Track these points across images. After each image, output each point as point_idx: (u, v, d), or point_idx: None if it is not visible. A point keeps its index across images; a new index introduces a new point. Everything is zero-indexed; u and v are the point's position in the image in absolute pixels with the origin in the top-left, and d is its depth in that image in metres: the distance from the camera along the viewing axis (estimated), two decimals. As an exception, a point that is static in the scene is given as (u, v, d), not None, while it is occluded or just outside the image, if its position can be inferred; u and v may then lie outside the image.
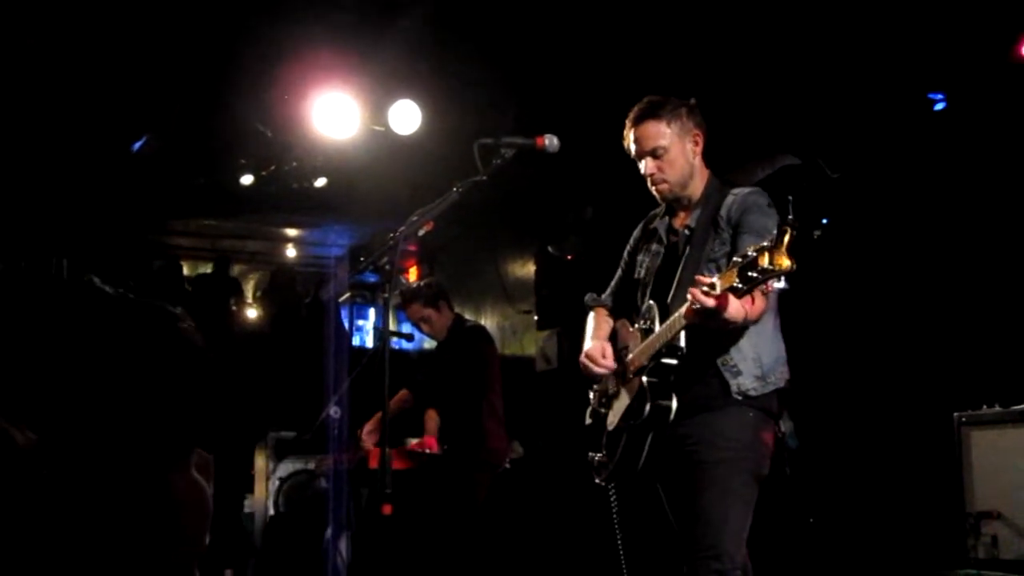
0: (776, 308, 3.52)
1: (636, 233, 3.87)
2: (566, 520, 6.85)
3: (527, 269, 10.49)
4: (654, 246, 3.70)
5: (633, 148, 3.59)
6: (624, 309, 3.79)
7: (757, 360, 3.41)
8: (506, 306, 10.82)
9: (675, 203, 3.65)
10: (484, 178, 3.49)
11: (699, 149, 3.59)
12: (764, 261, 2.74)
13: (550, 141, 3.59)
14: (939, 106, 6.71)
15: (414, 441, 6.37)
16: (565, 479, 6.59)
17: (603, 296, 3.95)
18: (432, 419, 6.23)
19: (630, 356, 3.56)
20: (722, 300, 2.99)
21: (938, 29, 5.91)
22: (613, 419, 3.63)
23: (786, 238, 2.71)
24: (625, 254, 3.89)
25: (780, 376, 3.49)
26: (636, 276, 3.74)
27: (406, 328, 6.74)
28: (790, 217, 2.75)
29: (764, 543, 5.73)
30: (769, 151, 7.46)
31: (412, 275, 11.94)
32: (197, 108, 7.68)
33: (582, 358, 3.71)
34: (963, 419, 5.55)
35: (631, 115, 3.60)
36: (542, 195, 9.02)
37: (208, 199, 9.99)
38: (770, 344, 3.47)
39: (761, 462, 3.42)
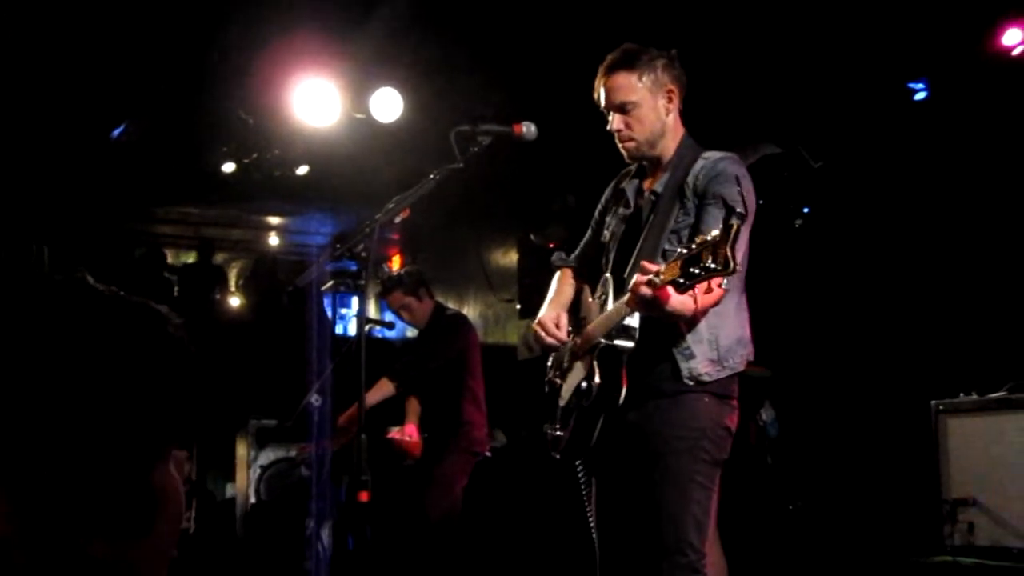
0: (741, 287, 3.31)
1: (607, 192, 3.66)
2: (548, 508, 6.86)
3: (509, 258, 10.49)
4: (621, 209, 3.51)
5: (602, 100, 3.36)
6: (592, 272, 3.59)
7: (713, 342, 3.20)
8: (488, 295, 10.82)
9: (644, 163, 3.44)
10: (461, 165, 3.47)
11: (673, 106, 3.34)
12: (708, 258, 2.56)
13: (527, 128, 3.57)
14: (920, 95, 6.73)
15: (395, 429, 6.38)
16: (548, 467, 6.61)
17: (571, 256, 3.78)
18: (413, 407, 6.23)
19: (586, 330, 3.40)
20: (661, 293, 2.81)
21: (919, 18, 5.92)
22: (566, 394, 3.47)
23: (732, 233, 2.53)
24: (596, 213, 3.70)
25: (740, 360, 3.28)
26: (603, 239, 3.56)
27: (388, 316, 6.73)
28: (738, 210, 2.61)
29: (745, 530, 5.77)
30: (751, 140, 7.47)
31: (395, 264, 11.93)
32: (178, 95, 7.64)
33: (534, 325, 3.54)
34: (940, 407, 5.59)
35: (604, 63, 3.35)
36: (525, 184, 9.02)
37: (190, 187, 9.95)
38: (730, 325, 3.25)
39: (720, 446, 3.24)
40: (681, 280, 2.67)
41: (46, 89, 7.12)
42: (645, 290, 2.83)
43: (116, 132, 8.14)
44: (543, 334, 3.49)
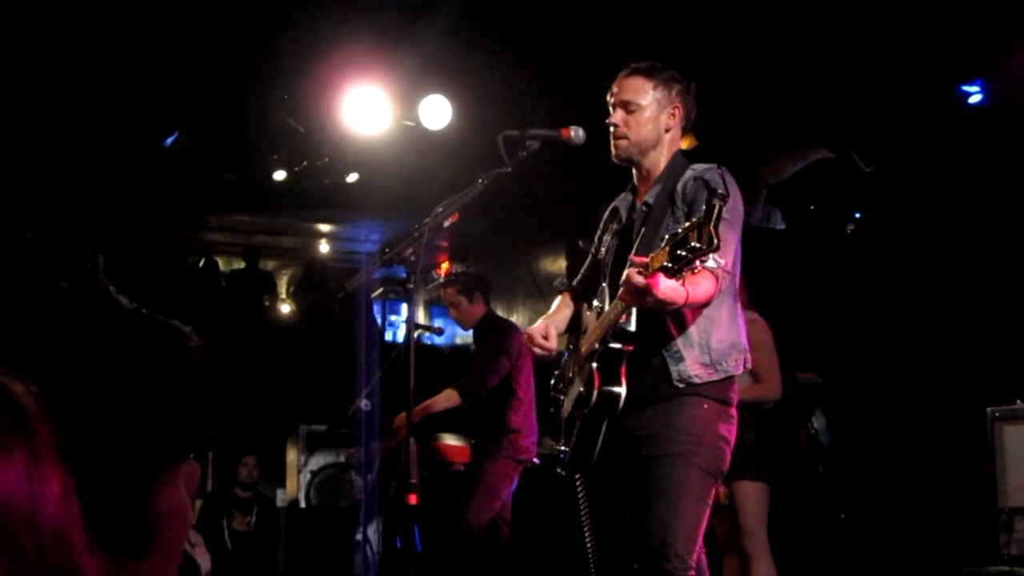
0: (734, 292, 3.36)
1: (605, 213, 3.74)
2: (594, 516, 6.84)
3: (559, 264, 10.48)
4: (614, 225, 3.60)
5: (612, 96, 3.45)
6: (592, 290, 3.64)
7: (704, 346, 3.24)
8: (537, 301, 10.81)
9: (632, 169, 3.52)
10: (509, 170, 3.48)
11: (674, 124, 3.43)
12: (693, 239, 2.61)
13: (575, 133, 3.57)
14: (975, 98, 6.65)
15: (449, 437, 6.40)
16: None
17: (574, 281, 3.85)
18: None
19: (584, 339, 3.45)
20: (652, 279, 2.83)
21: (974, 20, 5.85)
22: (567, 406, 3.51)
23: (714, 213, 2.58)
24: (595, 237, 3.77)
25: (734, 363, 3.30)
26: (599, 256, 3.64)
27: (437, 323, 6.76)
28: (719, 191, 2.65)
29: (797, 539, 5.72)
30: (802, 144, 7.42)
31: (444, 269, 11.97)
32: (229, 104, 7.73)
33: (523, 339, 3.56)
34: (996, 414, 5.50)
35: (627, 66, 3.47)
36: (574, 189, 9.01)
37: (241, 195, 10.06)
38: (722, 330, 3.28)
39: (717, 456, 3.25)
40: (669, 264, 2.70)
41: (100, 99, 7.24)
42: (637, 278, 2.85)
43: (168, 141, 8.25)
44: (531, 347, 3.53)
